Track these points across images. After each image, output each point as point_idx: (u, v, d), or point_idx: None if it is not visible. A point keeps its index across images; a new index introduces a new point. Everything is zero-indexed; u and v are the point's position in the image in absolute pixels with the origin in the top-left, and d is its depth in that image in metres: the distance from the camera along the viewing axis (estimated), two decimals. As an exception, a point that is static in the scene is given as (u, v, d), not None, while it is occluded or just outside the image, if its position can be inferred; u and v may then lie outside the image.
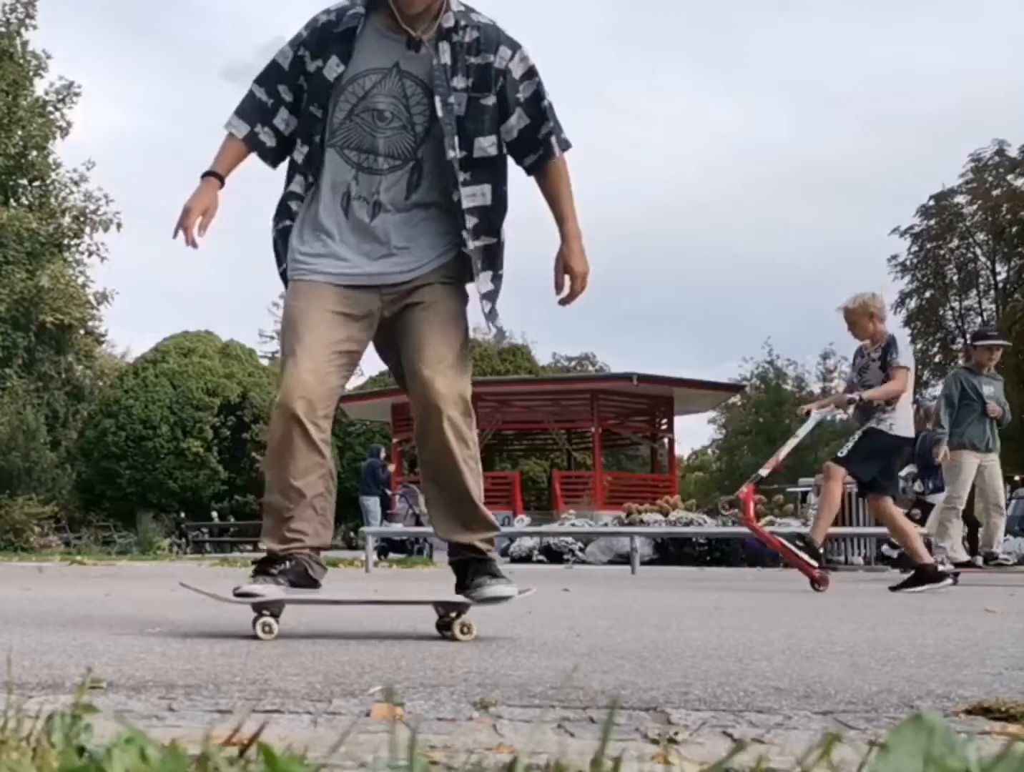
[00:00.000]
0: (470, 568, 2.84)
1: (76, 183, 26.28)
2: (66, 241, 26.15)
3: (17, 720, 0.85)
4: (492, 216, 2.87)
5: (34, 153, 25.79)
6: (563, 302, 2.93)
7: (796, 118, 76.32)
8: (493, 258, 2.90)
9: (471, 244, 2.81)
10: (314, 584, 2.82)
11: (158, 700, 1.60)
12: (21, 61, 25.41)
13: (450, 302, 2.88)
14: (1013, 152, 37.39)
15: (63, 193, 26.33)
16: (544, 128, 2.84)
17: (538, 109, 2.83)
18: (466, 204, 2.79)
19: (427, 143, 2.80)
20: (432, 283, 2.85)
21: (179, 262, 77.12)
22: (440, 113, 2.75)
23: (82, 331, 29.94)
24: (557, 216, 2.92)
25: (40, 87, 25.95)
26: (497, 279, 2.93)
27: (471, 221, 2.81)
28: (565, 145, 2.91)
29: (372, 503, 16.38)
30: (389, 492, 17.70)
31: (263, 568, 2.80)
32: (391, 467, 18.37)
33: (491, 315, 2.92)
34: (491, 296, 2.91)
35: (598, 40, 79.26)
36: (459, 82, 2.76)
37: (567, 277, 2.90)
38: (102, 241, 26.52)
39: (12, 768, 0.76)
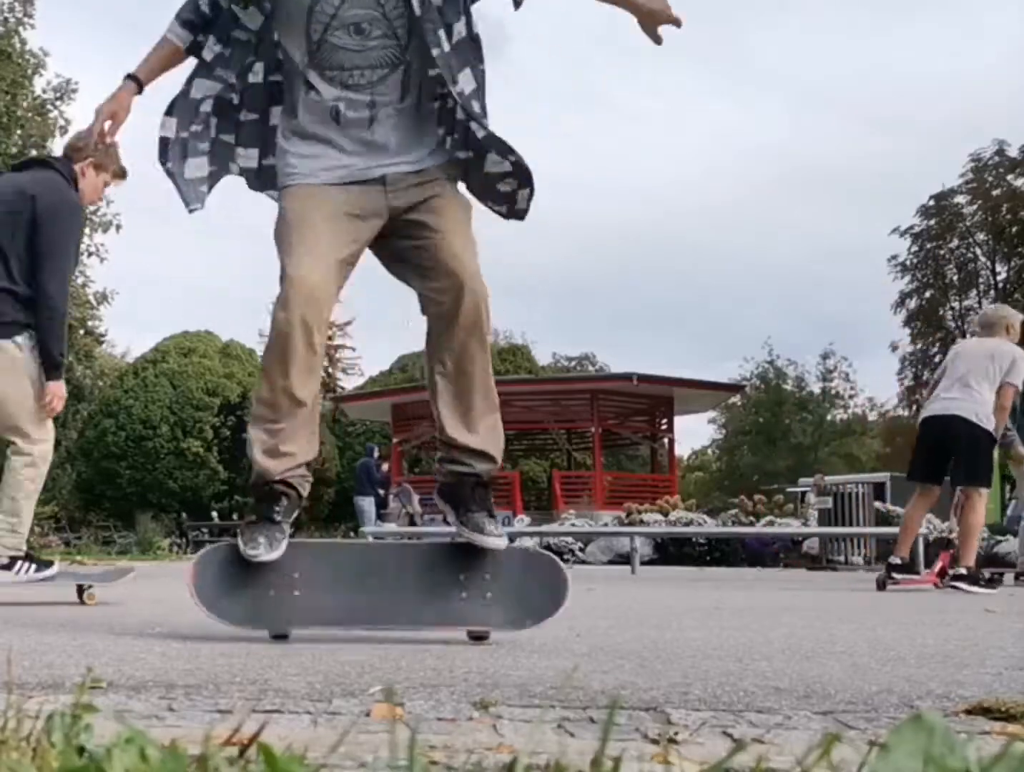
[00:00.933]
0: (468, 494, 2.75)
1: (77, 183, 26.25)
2: (66, 241, 26.12)
3: (17, 720, 0.85)
4: (481, 97, 2.76)
5: (33, 152, 25.78)
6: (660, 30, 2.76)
7: (796, 118, 76.36)
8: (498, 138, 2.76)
9: (481, 132, 2.69)
10: (300, 501, 2.76)
11: (158, 700, 1.60)
12: (20, 61, 25.41)
13: (462, 201, 2.79)
14: (1013, 152, 37.40)
15: (63, 193, 26.30)
16: None
17: None
18: (466, 90, 2.69)
19: (412, 43, 2.69)
20: (440, 179, 2.76)
21: (179, 262, 77.22)
22: (418, 11, 2.63)
23: (82, 331, 29.93)
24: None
25: (39, 85, 25.97)
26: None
27: (476, 106, 2.71)
28: None
29: (367, 503, 16.32)
30: (383, 492, 17.65)
31: (261, 511, 2.69)
32: (385, 466, 18.29)
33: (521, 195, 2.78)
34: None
35: (598, 40, 79.23)
36: None
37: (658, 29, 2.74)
38: (102, 242, 26.55)
39: (12, 768, 0.76)
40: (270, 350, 2.70)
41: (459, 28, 2.70)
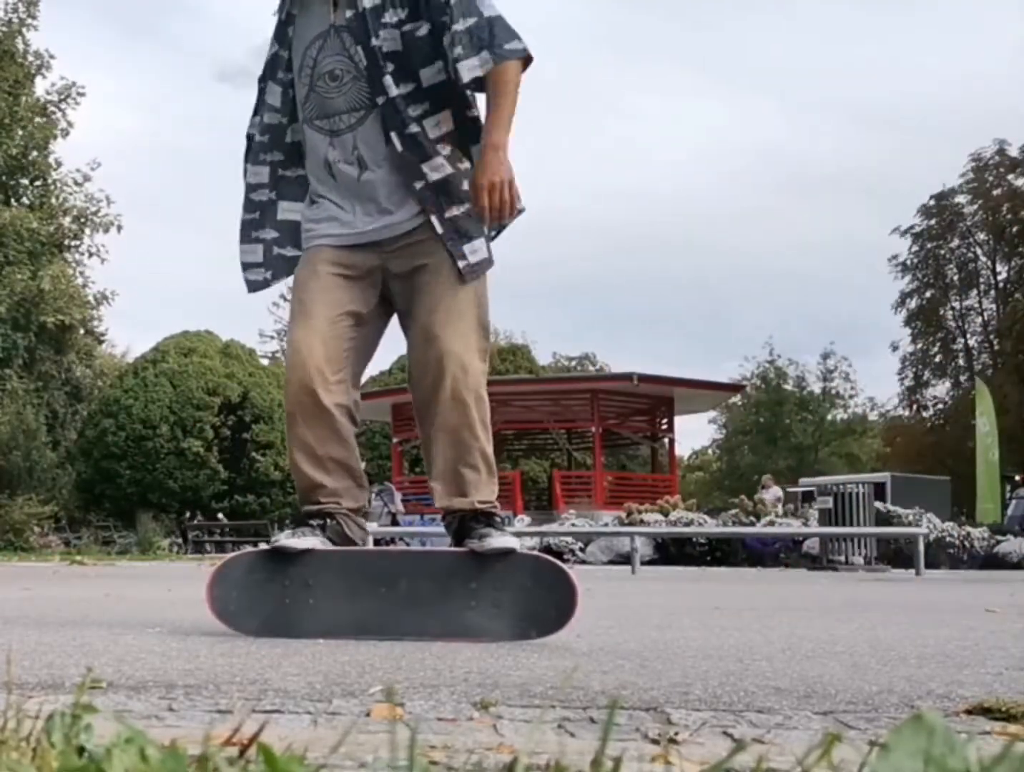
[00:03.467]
0: (469, 521, 2.80)
1: (78, 183, 26.29)
2: (66, 242, 26.16)
3: (17, 720, 0.85)
4: (464, 141, 2.83)
5: (35, 153, 25.80)
6: (486, 223, 2.76)
7: (796, 118, 76.36)
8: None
9: (434, 176, 2.75)
10: (351, 545, 2.83)
11: (158, 700, 1.60)
12: (22, 61, 25.41)
13: (451, 269, 2.80)
14: (1013, 152, 37.42)
15: (64, 193, 26.35)
16: (458, 52, 2.69)
17: (456, 35, 2.71)
18: (431, 134, 2.77)
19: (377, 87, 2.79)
20: (430, 238, 2.79)
21: (179, 262, 77.26)
22: (364, 61, 2.77)
23: (82, 331, 29.95)
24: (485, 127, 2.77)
25: (41, 87, 25.98)
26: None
27: (444, 150, 2.78)
28: (502, 57, 2.67)
29: None
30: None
31: (301, 522, 2.81)
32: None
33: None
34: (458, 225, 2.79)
35: (596, 40, 79.27)
36: (391, 16, 2.75)
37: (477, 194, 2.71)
38: (102, 242, 26.56)
39: (12, 768, 0.76)
40: (286, 420, 2.87)
41: (428, 74, 2.78)
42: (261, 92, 2.99)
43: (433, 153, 2.77)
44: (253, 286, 3.04)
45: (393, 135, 2.75)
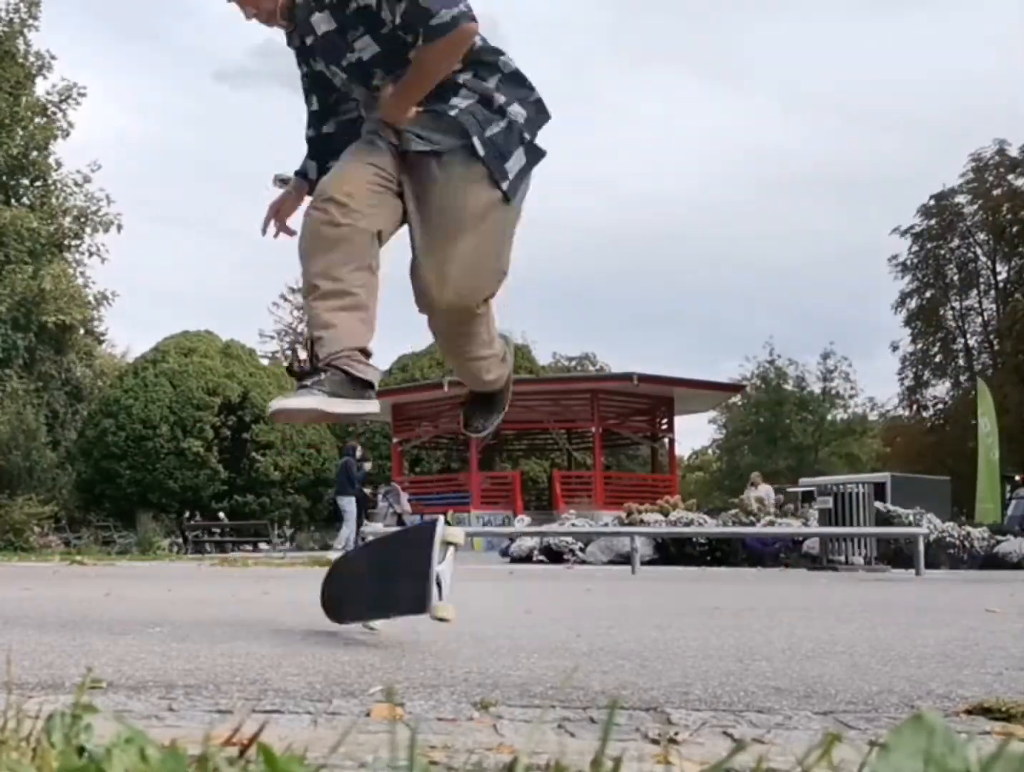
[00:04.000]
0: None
1: (79, 184, 26.30)
2: (66, 242, 26.17)
3: (17, 720, 0.85)
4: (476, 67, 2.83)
5: (35, 153, 25.80)
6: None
7: (796, 119, 76.39)
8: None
9: (464, 102, 2.71)
10: (360, 387, 2.59)
11: (158, 700, 1.60)
12: (23, 61, 25.42)
13: (462, 176, 2.69)
14: (1013, 152, 37.43)
15: (64, 193, 26.36)
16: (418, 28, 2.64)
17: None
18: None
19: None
20: (450, 134, 2.70)
21: (179, 262, 77.29)
22: (338, 84, 2.83)
23: (82, 331, 29.96)
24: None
25: (41, 87, 25.98)
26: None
27: (464, 76, 2.72)
28: (440, 32, 2.57)
29: (347, 503, 16.09)
30: (368, 491, 17.49)
31: (301, 381, 2.61)
32: (367, 466, 18.14)
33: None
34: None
35: (596, 41, 79.29)
36: (352, 34, 2.70)
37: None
38: (102, 242, 26.56)
39: (12, 768, 0.76)
40: (303, 240, 2.68)
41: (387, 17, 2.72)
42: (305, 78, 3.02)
43: (454, 89, 2.69)
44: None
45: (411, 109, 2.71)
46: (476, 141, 2.68)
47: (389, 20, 2.65)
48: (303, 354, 2.64)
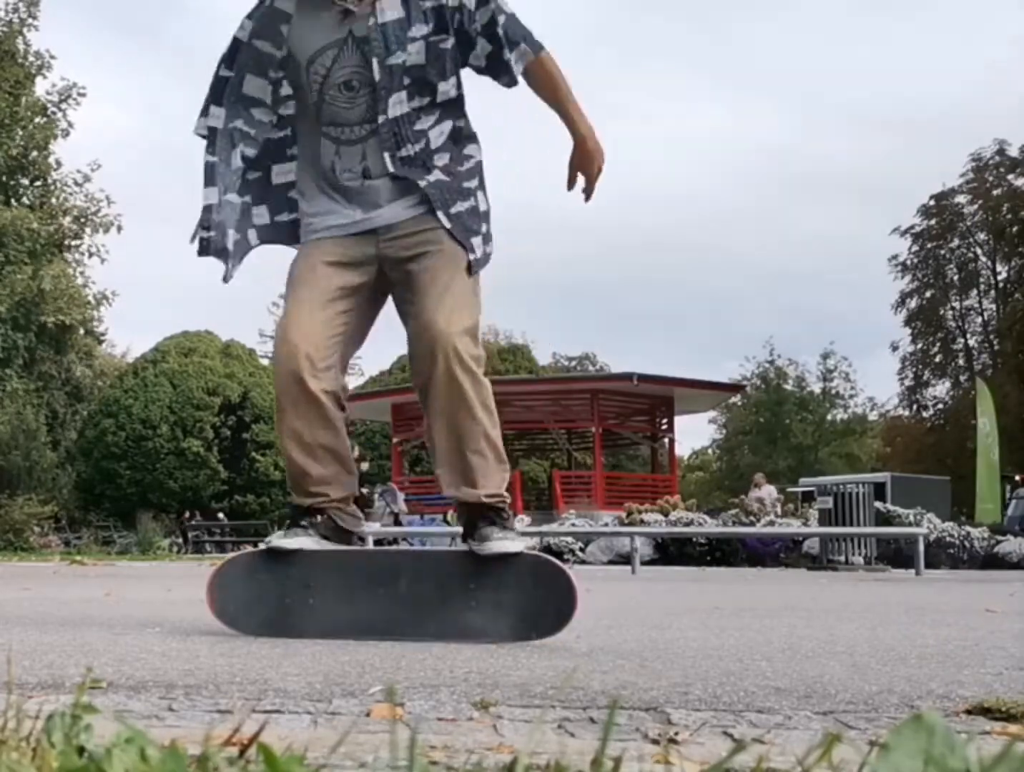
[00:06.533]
0: (476, 517, 2.79)
1: (79, 184, 26.31)
2: (66, 242, 26.17)
3: (17, 720, 0.85)
4: (457, 145, 2.88)
5: (35, 153, 25.81)
6: (584, 192, 2.89)
7: (797, 119, 76.39)
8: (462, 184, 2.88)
9: (436, 179, 2.80)
10: (346, 536, 2.85)
11: (158, 700, 1.60)
12: (23, 61, 25.42)
13: (452, 254, 2.80)
14: (1013, 152, 37.44)
15: (64, 193, 26.36)
16: (506, 52, 2.80)
17: (494, 34, 2.79)
18: (435, 144, 2.82)
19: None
20: (434, 228, 2.80)
21: (179, 262, 77.21)
22: (377, 76, 2.77)
23: (82, 331, 29.95)
24: (563, 120, 2.88)
25: (41, 87, 25.99)
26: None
27: (443, 159, 2.83)
28: (535, 49, 2.82)
29: None
30: (364, 491, 17.51)
31: (294, 522, 2.84)
32: (365, 466, 18.15)
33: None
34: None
35: (597, 41, 79.28)
36: (418, 30, 2.76)
37: (580, 176, 2.87)
38: (102, 242, 26.56)
39: (12, 768, 0.76)
40: (275, 408, 2.89)
41: (445, 88, 2.82)
42: (239, 83, 2.90)
43: (432, 166, 2.82)
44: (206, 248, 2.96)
45: (386, 156, 2.78)
46: (440, 215, 2.79)
47: (459, 24, 2.79)
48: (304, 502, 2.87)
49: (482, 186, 2.91)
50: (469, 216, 2.83)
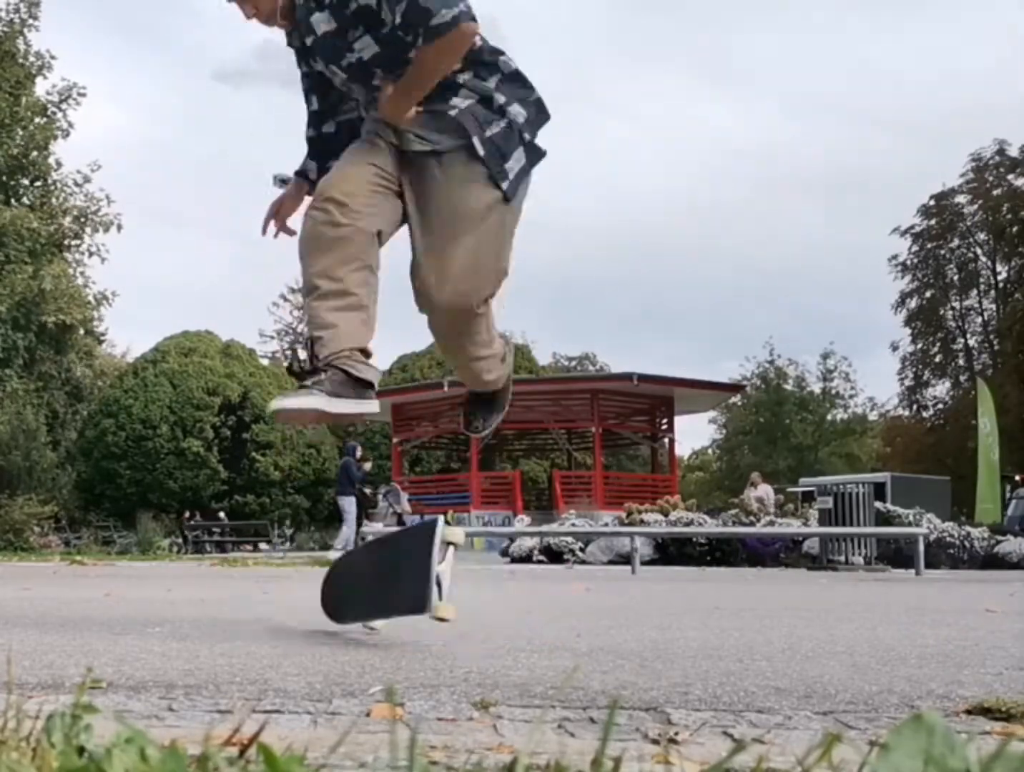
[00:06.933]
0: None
1: (79, 184, 26.31)
2: (66, 241, 26.18)
3: (17, 720, 0.85)
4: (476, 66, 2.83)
5: (35, 153, 25.82)
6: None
7: (796, 119, 76.42)
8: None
9: (464, 103, 2.71)
10: (361, 387, 2.59)
11: (158, 700, 1.60)
12: (23, 61, 25.43)
13: (462, 172, 2.69)
14: (1013, 152, 37.44)
15: (64, 193, 26.37)
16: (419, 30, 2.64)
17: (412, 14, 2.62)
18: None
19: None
20: (449, 132, 2.70)
21: (179, 262, 77.32)
22: (338, 84, 2.80)
23: (82, 331, 29.96)
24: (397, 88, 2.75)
25: (41, 88, 26.00)
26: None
27: (464, 76, 2.73)
28: (455, 21, 2.54)
29: (348, 503, 16.14)
30: (368, 491, 17.49)
31: (301, 381, 2.61)
32: (367, 465, 18.15)
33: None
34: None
35: (596, 42, 79.29)
36: (353, 34, 2.69)
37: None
38: (102, 242, 26.57)
39: (12, 768, 0.76)
40: (301, 242, 2.69)
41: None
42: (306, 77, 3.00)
43: (454, 89, 2.69)
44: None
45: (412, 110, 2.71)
46: (476, 141, 2.68)
47: (389, 20, 2.63)
48: (303, 354, 2.62)
49: (513, 93, 2.76)
50: (502, 136, 2.71)
